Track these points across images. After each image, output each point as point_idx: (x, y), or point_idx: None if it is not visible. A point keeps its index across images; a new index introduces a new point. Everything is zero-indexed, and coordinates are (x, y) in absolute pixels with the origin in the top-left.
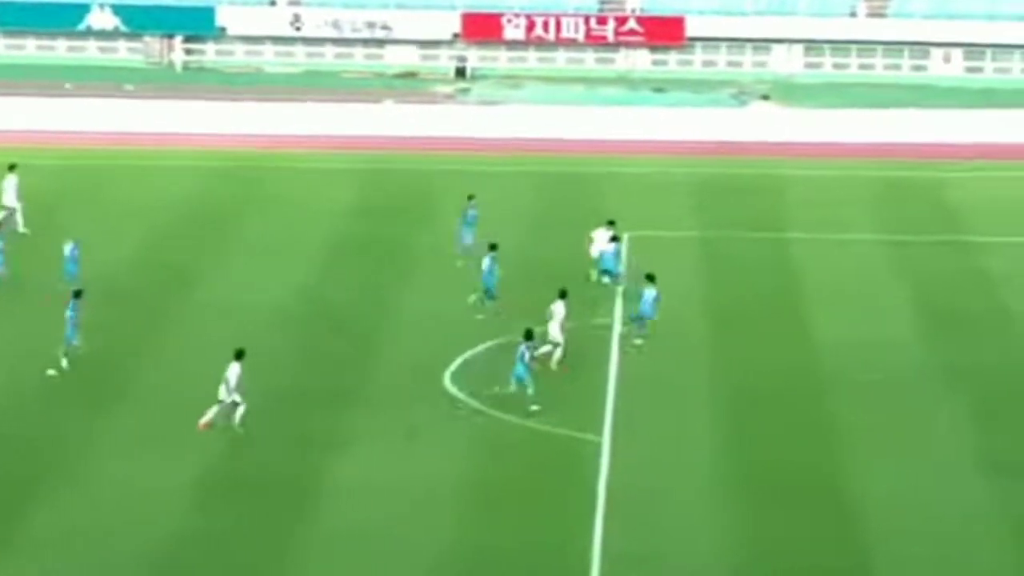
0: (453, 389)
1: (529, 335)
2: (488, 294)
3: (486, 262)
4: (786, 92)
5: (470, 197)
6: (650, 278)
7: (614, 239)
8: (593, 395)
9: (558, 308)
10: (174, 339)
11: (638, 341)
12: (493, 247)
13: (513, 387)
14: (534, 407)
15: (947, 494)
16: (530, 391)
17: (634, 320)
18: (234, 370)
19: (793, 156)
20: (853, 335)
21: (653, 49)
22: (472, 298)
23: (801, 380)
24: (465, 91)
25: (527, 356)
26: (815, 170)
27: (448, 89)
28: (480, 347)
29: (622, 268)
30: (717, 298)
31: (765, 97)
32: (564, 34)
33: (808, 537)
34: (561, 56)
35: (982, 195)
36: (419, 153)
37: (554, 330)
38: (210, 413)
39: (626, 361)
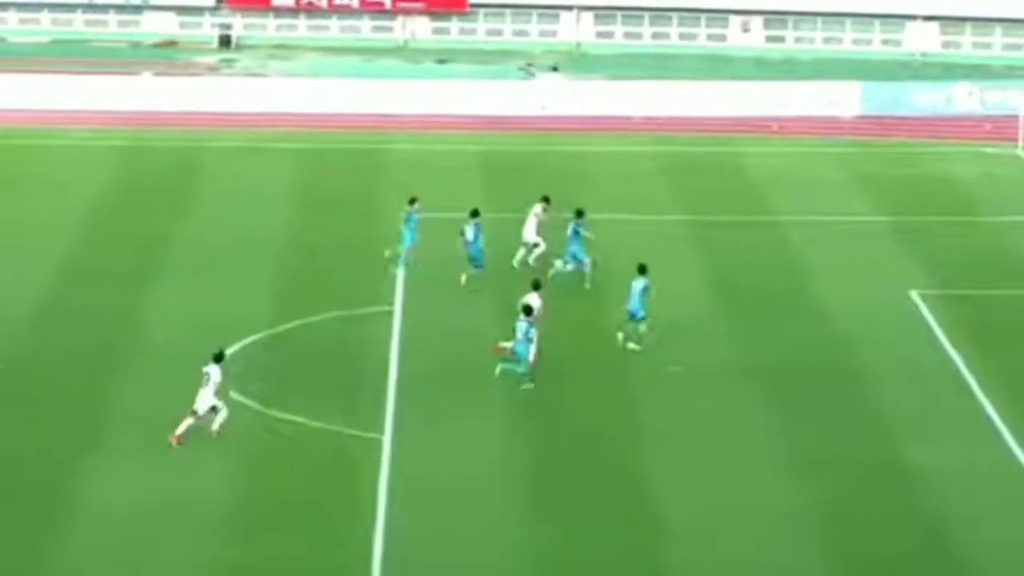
0: None
1: (528, 311)
2: (474, 263)
3: (470, 231)
4: (576, 63)
5: (412, 200)
6: (641, 269)
7: (579, 214)
8: (373, 388)
9: (532, 300)
10: None
11: (632, 345)
12: (475, 213)
13: (521, 367)
14: (528, 385)
15: (752, 493)
16: (520, 369)
17: (635, 321)
18: (214, 373)
19: (584, 131)
20: (651, 322)
21: (434, 16)
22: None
23: (599, 373)
24: (230, 62)
25: (529, 332)
26: (607, 145)
27: (211, 60)
28: (248, 339)
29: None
30: (505, 283)
31: (554, 68)
32: (337, 0)
33: (608, 541)
34: (335, 24)
35: (782, 171)
36: (180, 129)
37: None
38: (184, 424)
39: (409, 350)
